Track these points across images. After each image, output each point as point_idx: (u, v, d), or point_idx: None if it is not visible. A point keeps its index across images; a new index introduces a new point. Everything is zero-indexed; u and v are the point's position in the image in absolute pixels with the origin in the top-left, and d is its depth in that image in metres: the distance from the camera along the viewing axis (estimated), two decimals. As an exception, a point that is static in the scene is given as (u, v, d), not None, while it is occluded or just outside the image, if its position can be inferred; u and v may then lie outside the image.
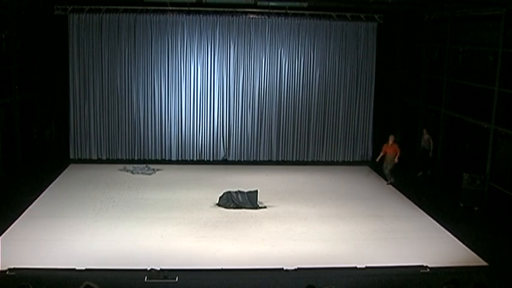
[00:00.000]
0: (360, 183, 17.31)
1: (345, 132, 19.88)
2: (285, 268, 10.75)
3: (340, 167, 19.28)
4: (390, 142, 16.95)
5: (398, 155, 16.59)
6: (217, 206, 14.37)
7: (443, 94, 17.41)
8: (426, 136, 17.98)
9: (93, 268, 10.36)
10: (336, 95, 19.65)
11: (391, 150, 16.79)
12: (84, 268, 10.34)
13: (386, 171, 16.94)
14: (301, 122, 19.63)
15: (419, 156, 18.65)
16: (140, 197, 15.12)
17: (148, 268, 10.40)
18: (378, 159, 17.16)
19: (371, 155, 19.98)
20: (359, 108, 19.87)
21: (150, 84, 18.95)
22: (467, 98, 16.48)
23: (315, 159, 19.81)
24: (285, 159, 19.68)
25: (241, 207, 14.26)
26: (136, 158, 19.13)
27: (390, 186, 16.86)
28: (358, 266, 10.91)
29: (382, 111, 20.23)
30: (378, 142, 20.09)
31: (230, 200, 14.38)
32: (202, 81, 19.13)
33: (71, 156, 18.93)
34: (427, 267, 10.95)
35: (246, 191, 14.62)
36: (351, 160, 19.97)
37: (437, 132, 17.85)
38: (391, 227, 13.35)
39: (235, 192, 14.52)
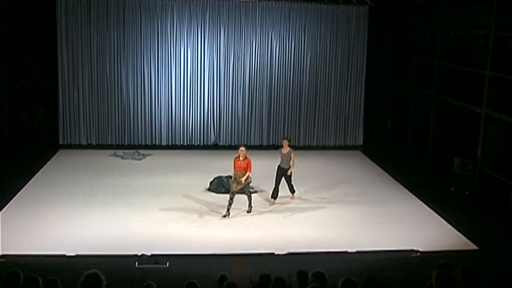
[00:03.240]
0: (351, 168, 17.33)
1: (336, 116, 19.85)
2: (275, 253, 10.77)
3: (332, 152, 19.30)
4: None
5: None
6: (208, 191, 14.35)
7: (434, 78, 17.39)
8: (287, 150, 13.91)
9: (84, 254, 10.33)
10: (327, 79, 19.58)
11: (243, 166, 12.57)
12: (74, 254, 10.30)
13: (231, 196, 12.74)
14: (292, 106, 19.58)
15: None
16: (130, 183, 15.07)
17: (139, 253, 10.39)
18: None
19: (362, 139, 20.02)
20: (350, 93, 19.83)
21: (139, 69, 18.77)
22: (458, 82, 16.46)
23: (306, 144, 19.80)
24: (276, 144, 19.59)
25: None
26: (126, 143, 19.03)
27: (382, 171, 16.89)
28: (348, 251, 10.96)
29: (373, 96, 20.22)
30: (370, 126, 20.19)
31: (221, 185, 14.37)
32: (193, 66, 18.98)
33: (60, 142, 18.79)
34: (417, 251, 11.00)
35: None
36: (342, 145, 19.97)
37: (428, 117, 17.86)
38: (382, 212, 13.39)
39: (226, 177, 14.49)
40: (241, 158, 12.53)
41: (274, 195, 13.56)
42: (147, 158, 17.74)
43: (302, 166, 17.16)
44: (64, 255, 10.26)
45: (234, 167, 12.56)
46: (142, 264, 10.09)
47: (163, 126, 19.22)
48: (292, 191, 13.91)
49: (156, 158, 17.72)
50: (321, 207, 13.60)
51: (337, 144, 19.98)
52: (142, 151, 18.20)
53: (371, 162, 18.03)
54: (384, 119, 20.46)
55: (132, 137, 19.15)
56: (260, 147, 19.34)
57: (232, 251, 10.87)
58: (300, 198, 14.13)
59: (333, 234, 11.99)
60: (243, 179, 12.43)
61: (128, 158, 17.53)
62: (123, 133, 19.14)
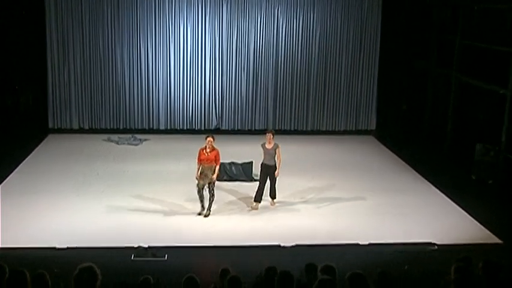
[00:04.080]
0: (363, 154, 17.33)
1: (347, 98, 19.78)
2: (282, 245, 10.84)
3: (342, 137, 19.30)
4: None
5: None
6: None
7: (455, 57, 17.26)
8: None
9: (75, 247, 10.37)
10: (337, 59, 19.46)
11: (210, 157, 12.07)
12: (65, 247, 10.36)
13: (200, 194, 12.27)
14: (299, 87, 19.51)
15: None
16: (126, 170, 15.12)
17: (136, 246, 10.45)
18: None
19: (375, 123, 19.99)
20: (362, 73, 19.72)
21: (135, 47, 18.71)
22: (481, 61, 16.34)
23: (315, 128, 19.77)
24: (282, 128, 19.63)
25: (235, 180, 14.35)
26: (121, 128, 19.03)
27: (397, 157, 16.85)
28: (360, 243, 11.00)
29: (387, 76, 20.09)
30: (383, 110, 20.09)
31: (223, 172, 14.35)
32: (193, 44, 18.90)
33: (50, 126, 18.81)
34: (435, 244, 11.04)
35: (240, 162, 14.68)
36: (354, 129, 19.94)
37: (447, 99, 17.78)
38: (396, 201, 13.41)
39: (229, 163, 14.54)
40: (208, 149, 11.98)
41: (258, 198, 12.62)
42: (144, 143, 17.79)
43: (310, 152, 17.31)
44: (54, 248, 10.32)
45: (200, 160, 11.98)
46: (139, 257, 10.16)
47: (161, 109, 19.19)
48: (273, 195, 12.80)
49: (154, 143, 17.78)
50: (331, 196, 13.62)
51: (348, 128, 19.95)
52: (138, 136, 18.25)
53: (384, 148, 18.02)
54: (398, 101, 20.35)
55: (128, 120, 19.14)
56: (265, 132, 19.22)
57: (235, 242, 10.94)
58: (308, 187, 14.16)
59: (343, 225, 12.04)
60: (214, 176, 12.00)
61: (123, 143, 17.57)
62: (118, 116, 19.13)
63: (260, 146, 12.63)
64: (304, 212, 12.63)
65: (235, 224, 11.92)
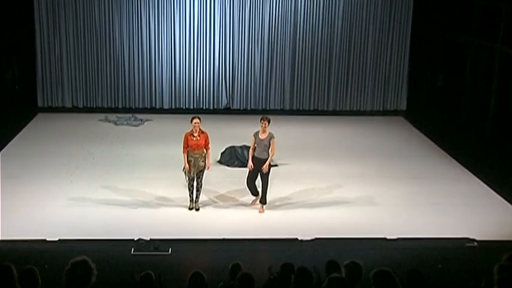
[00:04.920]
0: (392, 138, 17.32)
1: (374, 75, 19.74)
2: (299, 238, 10.82)
3: (368, 118, 19.36)
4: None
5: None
6: (218, 164, 14.42)
7: (501, 27, 17.05)
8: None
9: (68, 239, 10.39)
10: (363, 29, 19.41)
11: (200, 142, 11.79)
12: (57, 239, 10.38)
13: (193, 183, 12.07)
14: (320, 62, 19.47)
15: None
16: (125, 153, 15.23)
17: (136, 238, 10.48)
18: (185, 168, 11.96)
19: (406, 103, 19.94)
20: (392, 46, 19.64)
21: (136, 15, 18.75)
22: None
23: (337, 108, 19.82)
24: (301, 108, 19.66)
25: (247, 166, 14.26)
26: (120, 106, 19.15)
27: (430, 141, 16.78)
28: (388, 237, 10.96)
29: (420, 50, 19.99)
30: (415, 87, 19.98)
31: (234, 157, 14.45)
32: (200, 13, 18.90)
33: (39, 104, 18.96)
34: (474, 240, 10.95)
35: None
36: (381, 109, 19.98)
37: (490, 74, 17.60)
38: (429, 191, 13.35)
39: (240, 147, 14.58)
40: (195, 134, 11.67)
41: (253, 192, 12.21)
42: (146, 123, 17.92)
43: (331, 135, 17.36)
44: (44, 240, 10.33)
45: (189, 145, 11.66)
46: (139, 251, 10.17)
47: (165, 86, 19.25)
48: (264, 199, 12.02)
49: (157, 124, 17.90)
50: (355, 184, 13.59)
51: (374, 108, 19.98)
52: (140, 115, 18.38)
53: (416, 130, 17.98)
54: (433, 78, 20.22)
55: (127, 98, 19.25)
56: (281, 112, 19.37)
57: (247, 235, 10.92)
58: (329, 173, 14.14)
59: (369, 216, 12.00)
60: (207, 163, 11.79)
61: (122, 124, 17.69)
62: (116, 94, 19.23)
63: (252, 135, 11.96)
64: (324, 201, 12.59)
65: (246, 215, 11.93)
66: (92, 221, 11.34)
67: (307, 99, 19.71)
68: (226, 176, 13.69)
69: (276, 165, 14.28)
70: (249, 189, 12.17)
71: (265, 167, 11.69)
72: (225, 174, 13.86)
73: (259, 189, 12.08)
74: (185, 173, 11.82)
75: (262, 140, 11.78)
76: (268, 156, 11.76)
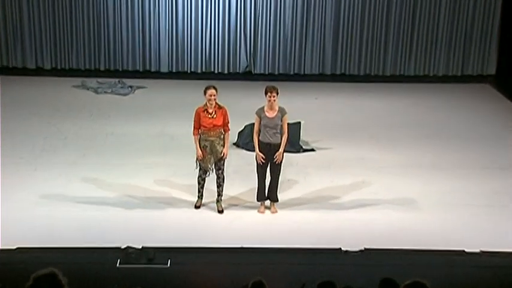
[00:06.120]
0: (474, 112, 17.36)
1: (450, 29, 19.78)
2: (343, 249, 10.71)
3: (440, 86, 19.42)
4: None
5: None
6: (235, 147, 14.45)
7: None
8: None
9: (30, 247, 10.32)
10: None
11: (217, 121, 11.73)
12: (14, 247, 10.29)
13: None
14: (375, 13, 19.55)
15: None
16: (110, 132, 15.33)
17: (123, 246, 10.43)
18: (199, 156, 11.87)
19: (495, 66, 19.90)
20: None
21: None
22: None
23: (398, 73, 19.93)
24: (347, 73, 19.73)
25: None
26: (102, 68, 19.37)
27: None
28: (467, 250, 10.81)
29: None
30: (508, 47, 19.71)
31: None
32: None
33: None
34: None
35: (281, 123, 14.59)
36: (460, 74, 20.04)
37: None
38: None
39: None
40: (210, 110, 11.52)
41: (261, 195, 12.07)
42: (137, 92, 18.10)
43: (389, 109, 17.32)
44: (-1, 250, 10.33)
45: (202, 126, 11.56)
46: (127, 262, 10.13)
47: (163, 43, 19.40)
48: (274, 195, 12.04)
49: (152, 93, 18.06)
50: (420, 176, 13.52)
51: (450, 73, 20.07)
52: (129, 81, 18.46)
53: (508, 102, 17.92)
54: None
55: (112, 58, 19.45)
56: (320, 78, 19.52)
57: (271, 243, 10.82)
58: (383, 162, 14.13)
59: (439, 221, 11.84)
60: (225, 150, 11.70)
61: (105, 92, 17.85)
62: (97, 52, 19.42)
63: (255, 114, 11.75)
64: (376, 200, 12.51)
65: (271, 216, 11.92)
66: (64, 224, 11.22)
67: (356, 61, 19.81)
68: (245, 164, 13.51)
69: (312, 150, 14.46)
70: (258, 189, 12.02)
71: (278, 155, 11.62)
72: (244, 160, 13.75)
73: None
74: (198, 163, 11.78)
75: (271, 118, 11.61)
76: (280, 141, 11.68)
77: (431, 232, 11.50)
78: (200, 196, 12.00)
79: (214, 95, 11.39)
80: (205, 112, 11.49)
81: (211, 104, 11.42)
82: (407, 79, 19.66)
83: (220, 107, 11.57)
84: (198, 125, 11.54)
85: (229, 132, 11.83)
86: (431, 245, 10.95)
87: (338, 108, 16.93)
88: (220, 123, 11.52)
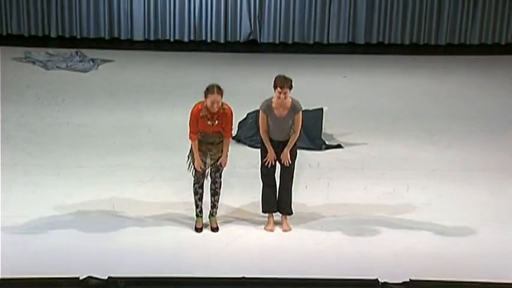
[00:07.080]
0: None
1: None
2: (381, 280, 10.51)
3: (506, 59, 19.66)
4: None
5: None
6: (234, 142, 14.48)
7: None
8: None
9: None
10: None
11: (217, 127, 11.83)
12: None
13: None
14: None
15: None
16: (65, 121, 15.56)
17: (82, 276, 10.22)
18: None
19: None
20: None
21: None
22: None
23: (456, 42, 20.81)
24: (385, 41, 20.29)
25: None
26: (53, 35, 19.97)
27: None
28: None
29: None
30: None
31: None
32: None
33: None
34: None
35: (296, 109, 14.47)
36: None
37: None
38: None
39: (274, 112, 14.38)
40: (210, 115, 11.35)
41: (270, 206, 12.10)
42: (100, 67, 18.41)
43: (448, 90, 17.53)
44: None
45: (199, 130, 11.48)
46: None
47: (136, 1, 19.71)
48: (288, 207, 12.10)
49: (121, 69, 18.42)
50: (485, 181, 13.53)
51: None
52: (89, 52, 18.67)
53: None
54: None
55: (67, 21, 19.89)
56: (350, 49, 19.98)
57: (281, 273, 10.59)
58: (434, 162, 14.20)
59: (505, 244, 11.64)
60: (222, 158, 11.66)
61: (59, 67, 17.98)
62: (46, 13, 19.84)
63: (261, 110, 11.66)
64: (426, 214, 12.39)
65: (280, 234, 11.76)
66: (9, 244, 11.06)
67: (393, 28, 20.41)
68: (248, 165, 13.57)
69: (338, 146, 14.75)
70: (262, 198, 11.98)
71: (284, 157, 11.62)
72: (246, 159, 13.81)
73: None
74: (193, 170, 11.71)
75: (280, 117, 11.54)
76: (291, 140, 11.74)
77: (494, 257, 11.29)
78: (200, 212, 11.77)
79: (217, 102, 11.09)
80: (205, 118, 11.30)
81: (212, 113, 11.18)
82: (470, 50, 20.17)
83: (224, 110, 11.30)
84: (195, 129, 11.34)
85: (230, 138, 11.68)
86: (493, 276, 10.67)
87: (373, 90, 17.00)
88: (222, 128, 11.40)
